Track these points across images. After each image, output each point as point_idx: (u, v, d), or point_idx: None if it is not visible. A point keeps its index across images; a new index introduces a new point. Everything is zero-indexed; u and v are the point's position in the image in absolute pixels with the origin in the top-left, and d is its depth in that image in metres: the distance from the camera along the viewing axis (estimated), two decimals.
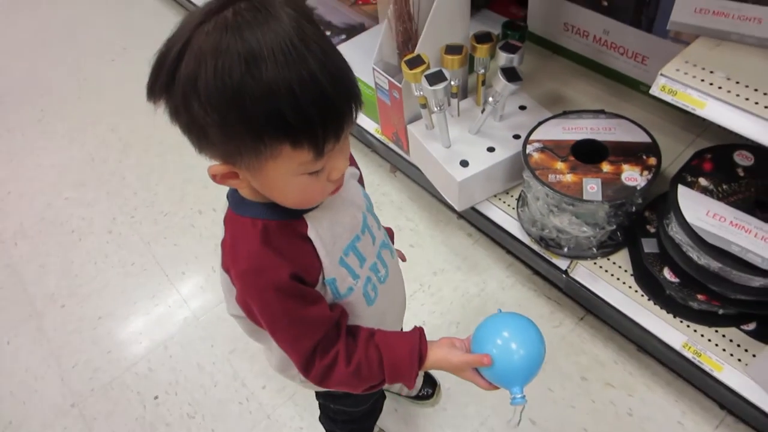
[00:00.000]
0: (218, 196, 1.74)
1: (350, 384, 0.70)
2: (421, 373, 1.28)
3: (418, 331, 0.73)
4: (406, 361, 0.70)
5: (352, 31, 1.70)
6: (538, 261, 1.31)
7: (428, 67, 1.21)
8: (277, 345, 0.69)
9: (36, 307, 1.55)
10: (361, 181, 0.85)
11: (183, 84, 0.51)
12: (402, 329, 1.11)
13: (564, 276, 1.26)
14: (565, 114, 1.28)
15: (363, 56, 1.41)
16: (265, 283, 0.62)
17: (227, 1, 0.51)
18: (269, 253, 0.62)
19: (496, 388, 0.72)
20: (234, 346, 1.42)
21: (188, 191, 1.78)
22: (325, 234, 0.67)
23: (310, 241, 0.66)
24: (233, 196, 0.67)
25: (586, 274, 1.25)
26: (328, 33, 1.71)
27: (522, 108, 1.39)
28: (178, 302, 1.53)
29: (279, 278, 0.62)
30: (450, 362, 0.72)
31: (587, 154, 1.19)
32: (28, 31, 2.52)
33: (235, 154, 0.55)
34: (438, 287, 1.46)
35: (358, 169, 0.83)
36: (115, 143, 1.96)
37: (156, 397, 1.35)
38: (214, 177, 0.59)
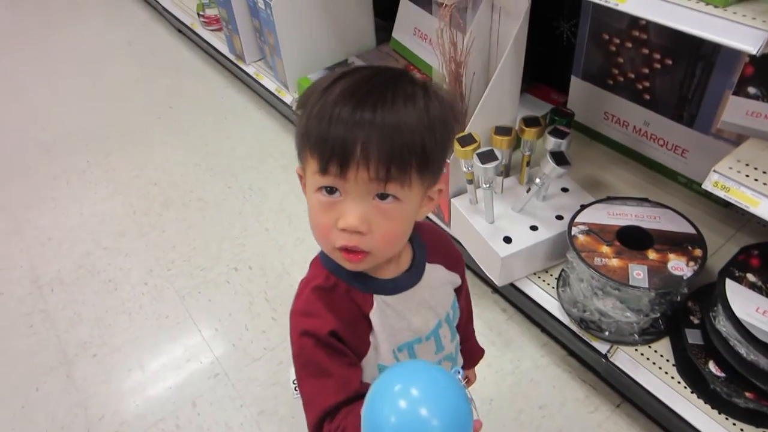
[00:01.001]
0: (255, 254, 1.77)
1: None
2: None
3: None
4: None
5: None
6: (576, 342, 1.31)
7: (479, 146, 1.27)
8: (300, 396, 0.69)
9: (67, 354, 1.55)
10: (460, 291, 0.82)
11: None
12: None
13: (604, 360, 1.25)
14: (609, 199, 1.32)
15: None
16: (306, 327, 0.64)
17: (379, 70, 0.62)
18: (321, 305, 0.65)
19: None
20: (263, 408, 1.40)
21: (225, 248, 1.81)
22: (387, 320, 0.68)
23: (369, 321, 0.67)
24: None
25: (627, 360, 1.24)
26: None
27: (564, 190, 1.43)
28: (209, 359, 1.52)
29: (321, 329, 0.64)
30: None
31: (632, 240, 1.22)
32: (82, 86, 2.64)
33: (300, 157, 0.62)
34: None
35: (464, 281, 0.82)
36: (157, 197, 2.02)
37: None
38: (300, 178, 0.65)
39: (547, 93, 1.78)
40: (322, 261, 0.69)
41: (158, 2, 2.84)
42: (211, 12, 2.43)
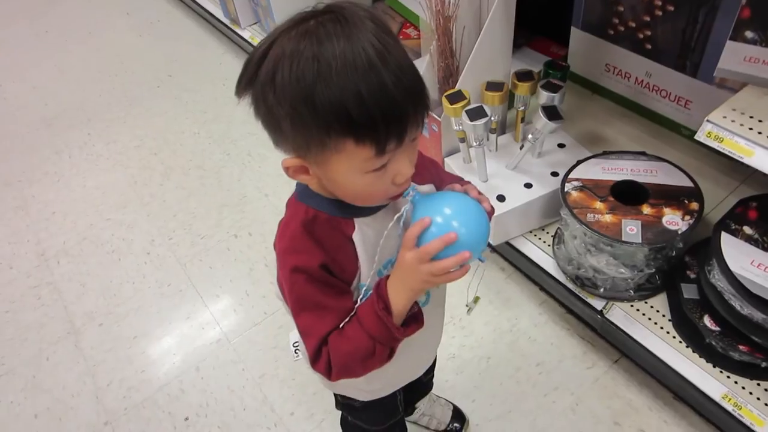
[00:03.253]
0: (254, 220, 1.78)
1: (351, 359, 0.68)
2: (447, 407, 1.27)
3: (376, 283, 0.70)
4: (371, 306, 0.67)
5: None
6: (572, 300, 1.30)
7: (469, 103, 1.23)
8: (297, 329, 0.71)
9: (75, 324, 1.59)
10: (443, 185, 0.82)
11: (263, 79, 0.57)
12: (435, 359, 1.10)
13: (599, 317, 1.25)
14: (605, 154, 1.28)
15: None
16: (296, 264, 0.66)
17: (314, 12, 0.58)
18: (308, 240, 0.66)
19: (466, 263, 0.64)
20: (264, 371, 1.43)
21: (225, 215, 1.82)
22: (368, 241, 0.69)
23: (353, 243, 0.68)
24: (299, 184, 0.71)
25: (622, 316, 1.23)
26: None
27: (561, 146, 1.39)
28: (211, 324, 1.55)
29: (310, 263, 0.66)
30: (404, 263, 0.64)
31: (627, 195, 1.19)
32: (78, 59, 2.63)
33: (303, 146, 0.59)
34: (469, 320, 1.45)
35: (446, 177, 0.82)
36: (157, 166, 2.03)
37: (186, 419, 1.36)
38: (287, 170, 0.64)
39: (547, 46, 1.73)
40: (300, 198, 0.70)
41: None
42: None
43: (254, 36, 2.16)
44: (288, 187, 1.84)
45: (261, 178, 1.93)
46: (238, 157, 2.01)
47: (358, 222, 0.69)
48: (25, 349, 1.55)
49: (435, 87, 1.40)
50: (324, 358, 0.68)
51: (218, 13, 2.32)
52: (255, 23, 2.20)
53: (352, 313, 0.68)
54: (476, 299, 0.82)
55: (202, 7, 2.46)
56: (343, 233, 0.68)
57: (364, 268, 0.70)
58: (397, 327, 0.66)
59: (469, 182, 0.74)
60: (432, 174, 0.78)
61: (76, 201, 1.95)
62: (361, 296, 0.69)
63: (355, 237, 0.68)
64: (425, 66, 1.37)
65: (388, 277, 0.68)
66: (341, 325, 0.68)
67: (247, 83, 0.59)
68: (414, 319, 0.70)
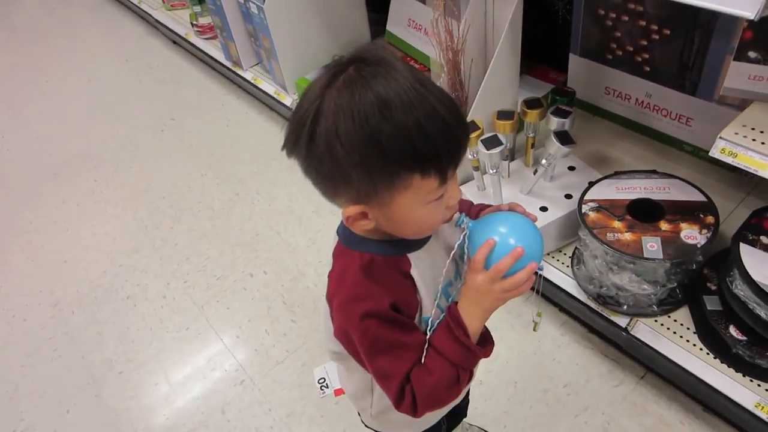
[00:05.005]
0: (268, 258, 1.79)
1: (437, 391, 0.69)
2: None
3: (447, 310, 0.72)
4: (449, 334, 0.68)
5: None
6: (595, 319, 1.32)
7: (483, 132, 1.27)
8: (374, 377, 0.71)
9: (94, 374, 1.58)
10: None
11: (326, 135, 0.58)
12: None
13: (624, 333, 1.26)
14: (617, 174, 1.32)
15: None
16: (366, 309, 0.66)
17: (346, 63, 0.60)
18: (371, 283, 0.67)
19: (533, 274, 0.68)
20: (291, 410, 1.42)
21: (238, 254, 1.83)
22: (425, 274, 0.71)
23: (411, 278, 0.70)
24: (344, 233, 0.72)
25: (647, 331, 1.24)
26: None
27: (571, 168, 1.43)
28: (234, 366, 1.54)
29: (379, 306, 0.66)
30: (476, 285, 0.67)
31: (643, 213, 1.22)
32: (80, 107, 2.66)
33: (371, 190, 0.61)
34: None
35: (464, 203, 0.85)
36: (167, 210, 2.04)
37: None
38: (347, 219, 0.65)
39: (546, 73, 1.78)
40: (349, 246, 0.71)
41: (151, 16, 2.84)
42: (204, 21, 2.43)
43: (256, 77, 2.21)
44: (298, 223, 1.87)
45: (271, 216, 1.95)
46: (247, 196, 2.03)
47: (412, 257, 0.70)
48: (44, 403, 1.53)
49: None
50: (408, 398, 0.68)
51: (219, 56, 2.37)
52: (257, 64, 2.24)
53: (426, 346, 0.69)
54: (539, 314, 0.84)
55: (203, 51, 2.50)
56: (401, 271, 0.70)
57: (425, 301, 0.71)
58: (480, 348, 0.69)
59: (514, 203, 0.77)
60: (461, 204, 0.81)
61: (87, 249, 1.95)
62: (429, 328, 0.70)
63: (413, 272, 0.70)
64: None
65: (456, 303, 0.69)
66: (422, 360, 0.69)
67: (304, 143, 0.60)
68: (487, 339, 0.73)
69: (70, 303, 1.78)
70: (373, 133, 0.57)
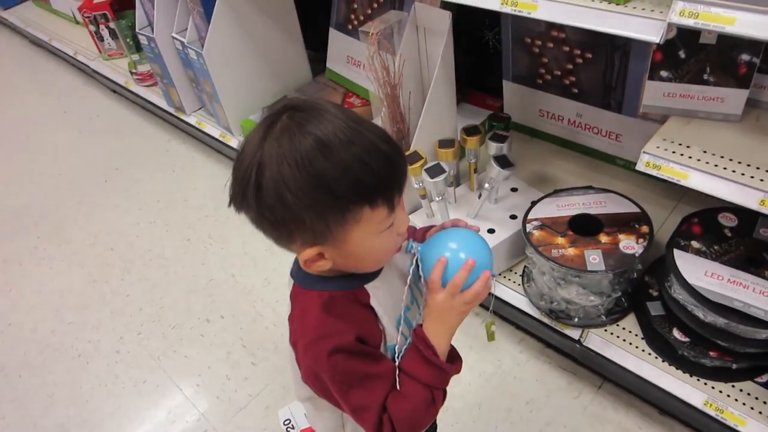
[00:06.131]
0: (224, 302, 1.76)
1: (415, 415, 0.70)
2: None
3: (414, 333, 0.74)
4: (418, 357, 0.71)
5: None
6: (550, 333, 1.36)
7: (426, 162, 1.31)
8: (351, 414, 0.71)
9: None
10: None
11: (273, 184, 0.60)
12: None
13: (578, 346, 1.30)
14: (556, 192, 1.38)
15: None
16: (332, 346, 0.67)
17: (278, 112, 0.63)
18: (334, 320, 0.69)
19: (487, 283, 0.71)
20: None
21: (193, 301, 1.80)
22: (384, 302, 0.73)
23: (372, 309, 0.72)
24: (298, 274, 0.73)
25: (599, 341, 1.29)
26: None
27: (514, 190, 1.49)
28: (195, 417, 1.50)
29: (345, 340, 0.68)
30: (437, 304, 0.70)
31: (583, 227, 1.28)
32: (21, 162, 2.59)
33: (324, 231, 0.63)
34: None
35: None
36: (115, 261, 1.98)
37: None
38: (305, 263, 0.67)
39: (483, 99, 1.85)
40: (306, 286, 0.72)
41: (88, 66, 2.81)
42: (143, 68, 2.42)
43: (201, 121, 2.20)
44: (253, 264, 1.85)
45: (225, 258, 1.92)
46: (199, 241, 2.00)
47: (370, 288, 0.72)
48: None
49: None
50: (387, 427, 0.69)
51: (161, 103, 2.36)
52: (200, 108, 2.24)
53: (397, 373, 0.70)
54: (491, 323, 0.87)
55: (144, 99, 2.48)
56: (361, 302, 0.72)
57: (388, 329, 0.73)
58: (450, 366, 0.71)
59: (456, 219, 0.80)
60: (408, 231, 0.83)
61: (34, 308, 1.87)
62: (396, 355, 0.72)
63: (373, 303, 0.72)
64: None
65: (421, 326, 0.71)
66: (396, 387, 0.70)
67: (252, 197, 0.62)
68: (454, 357, 0.75)
69: (17, 366, 1.70)
70: (318, 174, 0.59)
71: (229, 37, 1.79)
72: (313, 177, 0.59)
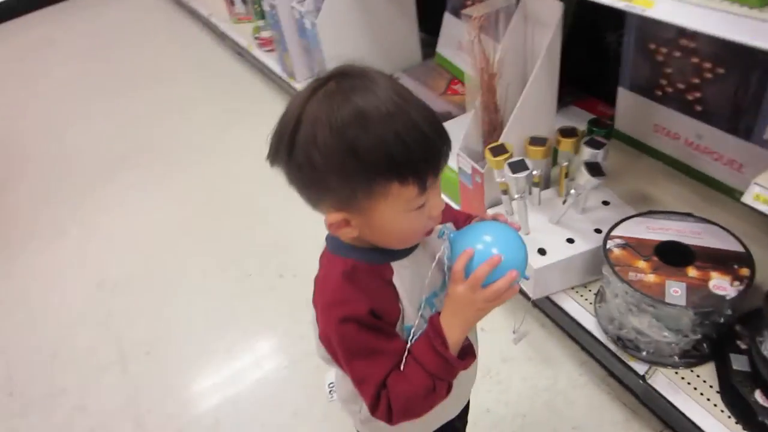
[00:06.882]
0: (300, 262, 1.83)
1: (412, 400, 0.69)
2: None
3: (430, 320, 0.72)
4: (428, 344, 0.69)
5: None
6: (613, 361, 1.26)
7: (511, 156, 1.26)
8: (352, 381, 0.71)
9: (124, 351, 1.66)
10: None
11: (304, 144, 0.61)
12: (469, 404, 1.08)
13: (641, 381, 1.20)
14: (650, 213, 1.27)
15: None
16: (345, 314, 0.67)
17: (327, 77, 0.63)
18: (352, 289, 0.68)
19: (515, 283, 0.67)
20: (298, 409, 1.44)
21: (273, 256, 1.89)
22: (407, 282, 0.71)
23: (393, 286, 0.71)
24: (331, 240, 0.74)
25: (666, 383, 1.17)
26: None
27: (605, 203, 1.38)
28: (251, 360, 1.59)
29: (358, 311, 0.67)
30: (456, 296, 0.67)
31: (672, 256, 1.16)
32: (145, 106, 2.85)
33: (351, 197, 0.63)
34: (507, 375, 1.42)
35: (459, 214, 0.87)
36: (214, 205, 2.14)
37: None
38: (330, 226, 0.67)
39: (594, 105, 1.74)
40: (334, 251, 0.73)
41: (218, 27, 3.03)
42: (266, 34, 2.55)
43: None
44: None
45: (306, 222, 1.98)
46: (288, 202, 2.09)
47: (395, 266, 0.71)
48: (77, 372, 1.63)
49: (479, 140, 1.43)
50: (384, 404, 0.69)
51: (276, 68, 2.48)
52: (311, 77, 2.30)
53: (405, 354, 0.69)
54: (526, 332, 0.83)
55: (261, 62, 2.63)
56: (383, 278, 0.71)
57: (407, 310, 0.72)
58: (456, 359, 0.68)
59: (497, 213, 0.76)
60: (447, 214, 0.81)
61: (137, 233, 2.08)
62: (411, 337, 0.71)
63: (395, 280, 0.71)
64: (470, 119, 1.41)
65: (439, 313, 0.70)
66: (400, 367, 0.69)
67: (286, 153, 0.63)
68: (468, 352, 0.72)
69: (114, 282, 1.90)
70: (351, 142, 0.59)
71: (343, 10, 1.83)
72: (345, 144, 0.59)
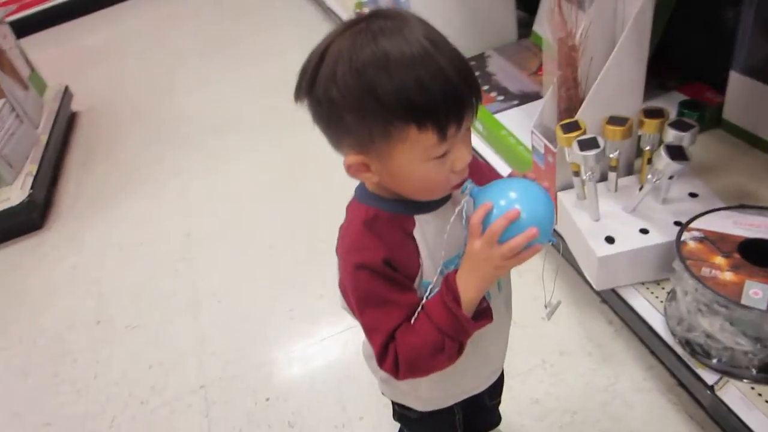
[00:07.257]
0: None
1: (419, 355, 0.68)
2: None
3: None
4: (440, 299, 0.67)
5: (526, 98, 1.71)
6: (679, 367, 1.14)
7: (584, 133, 1.18)
8: (363, 330, 0.72)
9: (198, 298, 1.79)
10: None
11: (324, 79, 0.61)
12: (502, 383, 1.05)
13: (708, 392, 1.07)
14: (742, 207, 1.13)
15: (528, 121, 1.41)
16: (360, 261, 0.67)
17: (362, 17, 0.62)
18: (370, 236, 0.68)
19: (536, 243, 0.64)
20: (348, 373, 1.46)
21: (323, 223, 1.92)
22: (430, 237, 0.70)
23: (414, 240, 0.70)
24: (359, 189, 0.74)
25: (738, 398, 1.04)
26: (501, 98, 1.75)
27: (693, 195, 1.25)
28: (310, 321, 1.63)
29: (373, 258, 0.67)
30: (473, 251, 0.65)
31: (758, 256, 1.03)
32: (252, 79, 3.02)
33: (367, 139, 0.62)
34: (561, 368, 1.34)
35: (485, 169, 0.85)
36: (296, 175, 2.22)
37: (267, 399, 1.45)
38: (348, 168, 0.66)
39: (702, 91, 1.56)
40: (360, 200, 0.73)
41: (324, 2, 3.11)
42: (367, 9, 2.58)
43: None
44: None
45: None
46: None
47: (418, 219, 0.70)
48: (156, 311, 1.79)
49: (555, 117, 1.35)
50: (391, 355, 0.69)
51: None
52: None
53: (419, 309, 0.69)
54: (558, 303, 0.78)
55: None
56: (404, 230, 0.70)
57: (426, 265, 0.70)
58: (466, 318, 0.66)
59: (527, 171, 0.73)
60: (478, 173, 0.77)
61: (226, 195, 2.22)
62: (427, 294, 0.70)
63: (416, 233, 0.70)
64: (548, 95, 1.33)
65: (456, 270, 0.68)
66: (411, 321, 0.69)
67: (307, 87, 0.63)
68: (483, 314, 0.70)
69: (199, 234, 2.05)
70: (370, 82, 0.59)
71: None
72: (364, 83, 0.59)
